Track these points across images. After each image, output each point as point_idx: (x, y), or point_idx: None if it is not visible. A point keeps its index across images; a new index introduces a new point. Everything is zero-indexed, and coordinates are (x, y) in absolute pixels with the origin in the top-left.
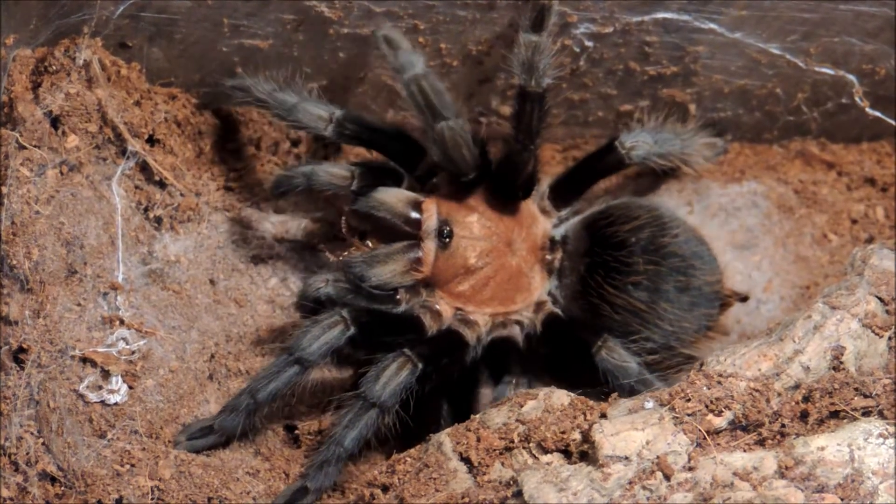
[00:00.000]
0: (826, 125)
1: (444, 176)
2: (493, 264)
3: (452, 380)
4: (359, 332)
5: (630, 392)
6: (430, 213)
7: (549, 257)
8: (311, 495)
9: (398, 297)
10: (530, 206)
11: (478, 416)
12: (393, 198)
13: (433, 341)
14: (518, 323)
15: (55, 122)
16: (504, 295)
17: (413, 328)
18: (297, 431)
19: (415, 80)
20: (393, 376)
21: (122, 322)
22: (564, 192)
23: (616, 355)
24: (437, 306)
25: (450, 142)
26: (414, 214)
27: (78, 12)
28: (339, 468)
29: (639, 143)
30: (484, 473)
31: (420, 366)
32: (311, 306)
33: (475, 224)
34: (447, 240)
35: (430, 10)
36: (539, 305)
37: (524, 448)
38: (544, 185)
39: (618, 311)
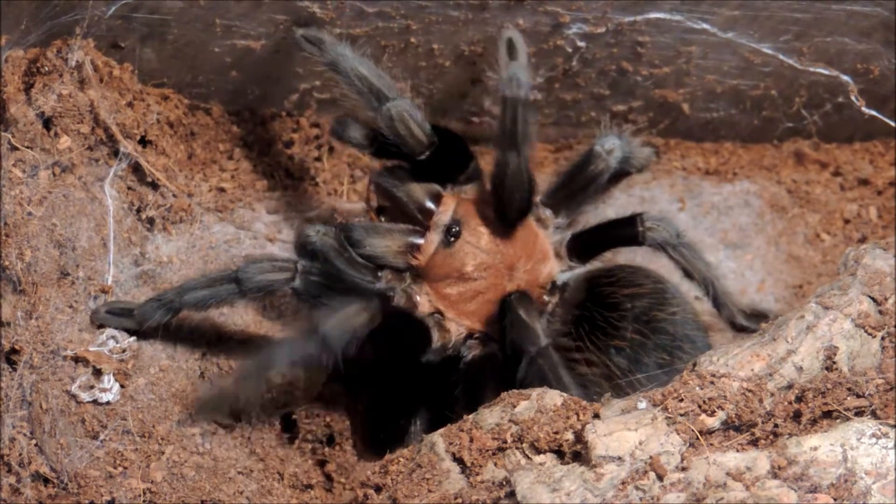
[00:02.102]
0: (819, 125)
1: (474, 186)
2: (487, 280)
3: (399, 367)
4: (303, 288)
5: None
6: (447, 207)
7: (546, 298)
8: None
9: (380, 274)
10: (546, 244)
11: (471, 416)
12: (415, 182)
13: (398, 314)
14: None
15: (47, 123)
16: (487, 315)
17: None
18: (294, 417)
19: (353, 69)
20: (351, 317)
21: None
22: (583, 247)
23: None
24: (417, 297)
25: (397, 119)
26: (429, 204)
27: (70, 13)
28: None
29: (659, 227)
30: (477, 474)
31: (378, 322)
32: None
33: (485, 236)
34: (452, 239)
35: (423, 10)
36: None
37: (517, 448)
38: (568, 232)
39: (593, 371)
